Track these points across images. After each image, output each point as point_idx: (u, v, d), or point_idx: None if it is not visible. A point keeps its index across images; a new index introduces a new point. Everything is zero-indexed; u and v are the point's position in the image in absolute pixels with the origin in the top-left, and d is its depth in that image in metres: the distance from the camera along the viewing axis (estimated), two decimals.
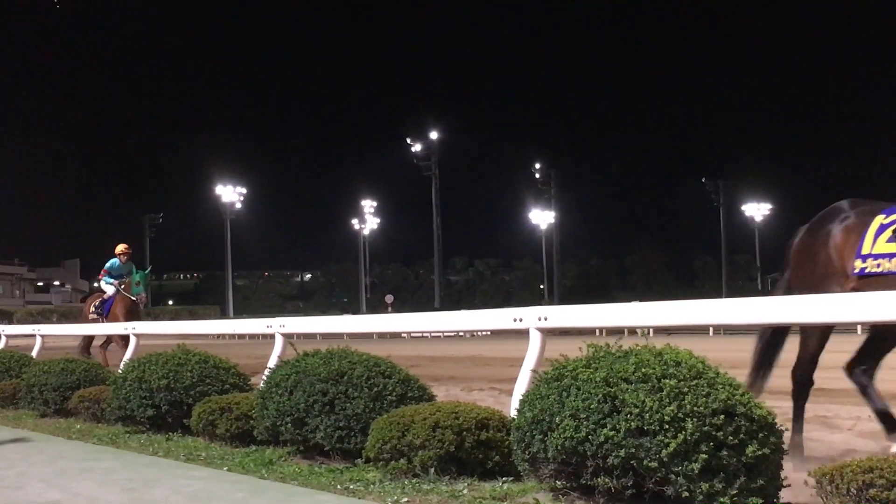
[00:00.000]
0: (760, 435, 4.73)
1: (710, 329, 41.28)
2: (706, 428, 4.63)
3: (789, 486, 4.84)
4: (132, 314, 17.80)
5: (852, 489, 4.03)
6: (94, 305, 19.00)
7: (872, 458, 4.17)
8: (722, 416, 4.68)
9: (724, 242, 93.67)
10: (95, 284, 19.71)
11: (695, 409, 4.68)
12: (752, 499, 4.58)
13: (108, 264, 18.88)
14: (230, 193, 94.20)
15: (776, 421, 4.93)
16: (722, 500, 4.55)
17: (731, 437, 4.64)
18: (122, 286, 18.31)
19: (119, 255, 18.94)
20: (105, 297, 18.73)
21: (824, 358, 8.55)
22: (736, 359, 8.81)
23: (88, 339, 19.03)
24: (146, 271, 18.73)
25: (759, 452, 4.65)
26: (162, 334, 15.80)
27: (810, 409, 9.36)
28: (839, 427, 8.14)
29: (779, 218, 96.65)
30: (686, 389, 4.79)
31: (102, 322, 18.01)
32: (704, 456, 4.57)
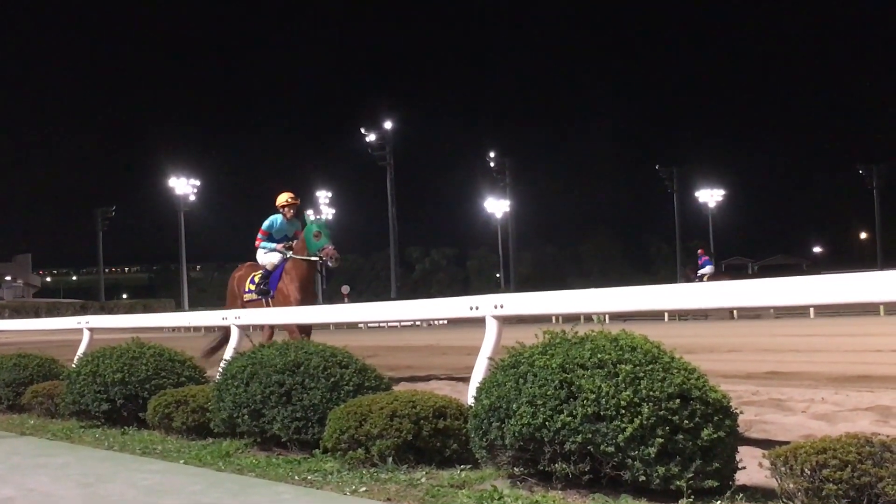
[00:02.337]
0: (715, 418, 4.76)
1: (666, 315, 41.59)
2: (662, 412, 4.66)
3: (744, 468, 4.89)
4: (309, 287, 12.98)
5: (806, 470, 4.07)
6: (251, 282, 13.44)
7: (826, 440, 4.21)
8: (677, 401, 4.72)
9: (678, 229, 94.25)
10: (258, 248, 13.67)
11: (650, 393, 4.71)
12: (707, 481, 4.62)
13: (266, 223, 13.50)
14: (184, 185, 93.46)
15: (731, 404, 4.97)
16: (678, 483, 4.59)
17: (686, 421, 4.67)
18: (290, 249, 13.14)
19: (282, 208, 13.59)
20: (268, 267, 13.26)
21: (777, 342, 8.66)
22: (691, 343, 8.89)
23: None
24: (322, 219, 13.41)
25: (715, 435, 4.68)
26: (116, 328, 15.64)
27: (764, 392, 9.48)
28: (793, 409, 8.22)
29: (732, 204, 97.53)
30: (642, 374, 4.81)
31: (266, 305, 12.79)
32: (660, 440, 4.60)
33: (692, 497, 4.58)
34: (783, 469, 4.21)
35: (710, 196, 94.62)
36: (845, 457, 4.01)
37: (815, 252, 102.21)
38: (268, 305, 12.79)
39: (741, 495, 4.65)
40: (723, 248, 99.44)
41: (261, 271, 13.33)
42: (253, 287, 13.26)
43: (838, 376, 11.40)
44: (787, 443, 4.54)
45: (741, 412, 5.12)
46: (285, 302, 12.51)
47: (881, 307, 27.34)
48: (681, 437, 4.64)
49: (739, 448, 4.99)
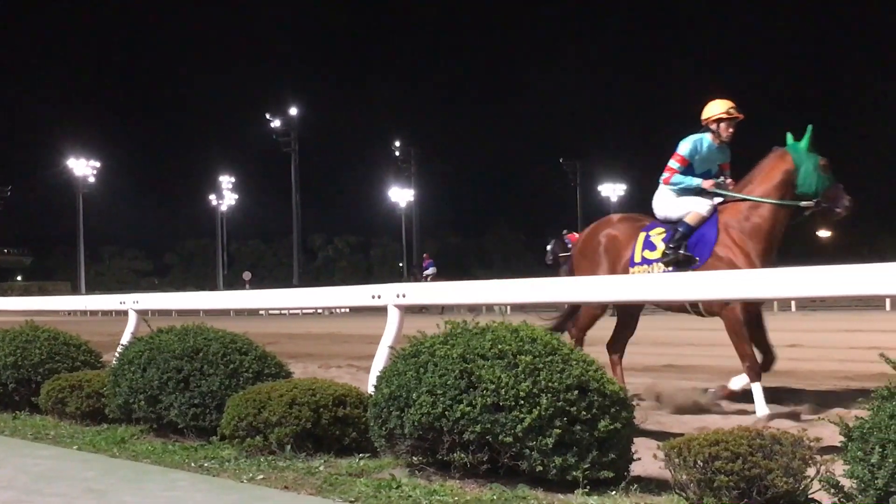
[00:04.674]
0: (612, 410, 4.84)
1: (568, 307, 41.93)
2: (560, 403, 4.72)
3: (640, 459, 4.97)
4: (774, 254, 7.96)
5: (699, 462, 4.15)
6: (647, 246, 8.29)
7: (718, 432, 4.29)
8: (576, 392, 4.78)
9: (581, 222, 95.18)
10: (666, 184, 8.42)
11: (549, 384, 4.76)
12: (603, 472, 4.69)
13: (685, 147, 8.35)
14: (83, 167, 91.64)
15: (627, 396, 5.06)
16: (574, 473, 4.65)
17: (584, 413, 4.74)
18: (720, 188, 8.25)
19: (715, 123, 8.30)
20: (688, 221, 8.08)
21: (675, 335, 8.83)
22: (590, 336, 8.98)
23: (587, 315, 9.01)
24: (807, 137, 7.94)
25: (611, 427, 4.76)
26: (9, 310, 15.28)
27: (660, 385, 9.63)
28: None
29: (633, 198, 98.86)
30: (541, 365, 4.86)
31: (681, 269, 7.79)
32: (558, 431, 4.65)
33: (588, 487, 4.65)
34: (677, 461, 4.28)
35: (612, 190, 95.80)
36: (737, 449, 4.09)
37: None
38: None
39: (636, 486, 4.73)
40: None
41: (661, 229, 8.34)
42: (654, 255, 8.17)
43: (732, 370, 11.61)
44: (681, 435, 4.62)
45: (638, 404, 5.20)
46: (729, 265, 7.74)
47: (774, 303, 27.96)
48: (578, 428, 4.71)
49: (635, 439, 5.08)
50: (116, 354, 7.71)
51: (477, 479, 4.95)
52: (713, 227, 7.98)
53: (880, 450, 3.47)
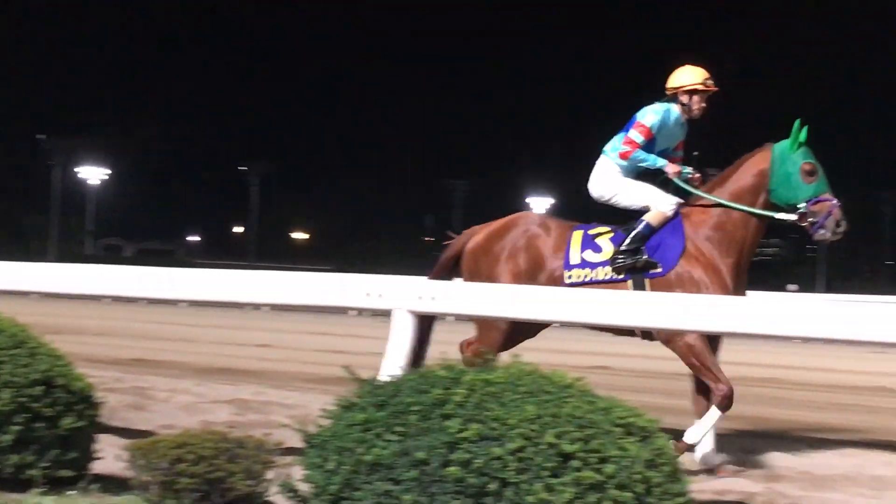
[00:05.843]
0: (77, 407, 4.77)
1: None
2: (22, 399, 4.57)
3: (103, 458, 4.91)
4: (745, 268, 6.75)
5: (164, 464, 4.17)
6: (590, 245, 6.76)
7: (186, 434, 4.36)
8: (41, 388, 4.64)
9: (58, 203, 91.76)
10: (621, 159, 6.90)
11: (12, 379, 4.60)
12: (63, 471, 4.60)
13: (649, 116, 6.86)
14: None
15: (94, 393, 4.99)
16: (31, 472, 4.52)
17: (48, 409, 4.62)
18: (688, 183, 6.89)
19: (686, 94, 6.85)
20: (649, 221, 6.70)
21: (148, 328, 8.79)
22: (59, 324, 8.75)
23: None
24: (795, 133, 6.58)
25: (75, 425, 4.69)
26: None
27: (129, 379, 9.54)
28: (156, 398, 8.35)
29: (115, 184, 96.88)
30: (6, 358, 4.68)
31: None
32: (18, 427, 4.51)
33: (46, 486, 4.52)
34: (142, 462, 4.27)
35: (93, 173, 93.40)
36: (201, 452, 4.17)
37: (189, 241, 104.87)
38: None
39: (96, 485, 4.66)
40: (103, 226, 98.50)
41: (605, 228, 6.90)
42: (600, 257, 6.72)
43: (202, 367, 11.78)
44: (148, 432, 4.63)
45: (105, 401, 5.13)
46: (697, 291, 6.43)
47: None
48: (41, 424, 4.59)
49: (100, 436, 5.03)
50: None
51: None
52: (678, 231, 6.75)
53: (336, 457, 3.65)
